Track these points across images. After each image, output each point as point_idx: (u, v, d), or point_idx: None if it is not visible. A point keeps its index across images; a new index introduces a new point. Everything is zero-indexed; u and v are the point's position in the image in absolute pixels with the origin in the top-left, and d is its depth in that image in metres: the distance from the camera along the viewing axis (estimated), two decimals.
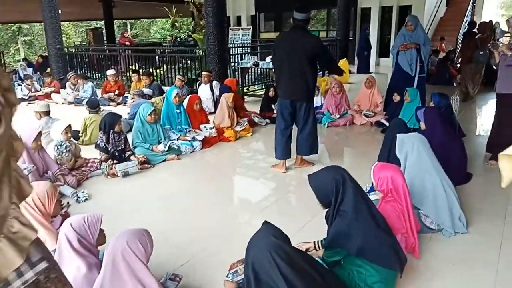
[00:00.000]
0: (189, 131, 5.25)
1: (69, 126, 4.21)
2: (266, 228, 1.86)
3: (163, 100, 5.84)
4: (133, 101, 6.93)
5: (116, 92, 8.39)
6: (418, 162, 2.93)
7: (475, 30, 8.36)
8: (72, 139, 4.39)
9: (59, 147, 4.11)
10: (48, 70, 10.98)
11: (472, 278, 2.39)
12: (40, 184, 2.63)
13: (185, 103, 5.75)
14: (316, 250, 2.40)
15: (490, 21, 8.86)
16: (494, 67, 7.79)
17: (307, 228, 2.98)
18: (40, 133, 3.73)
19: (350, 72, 10.99)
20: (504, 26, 10.81)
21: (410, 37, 5.76)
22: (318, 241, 2.44)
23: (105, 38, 18.84)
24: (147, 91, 7.42)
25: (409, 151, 2.97)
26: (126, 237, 1.94)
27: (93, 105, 5.64)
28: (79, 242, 2.03)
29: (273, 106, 6.32)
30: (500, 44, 4.11)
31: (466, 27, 9.64)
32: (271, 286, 1.68)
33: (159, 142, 4.74)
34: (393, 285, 2.21)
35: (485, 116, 6.72)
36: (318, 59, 3.96)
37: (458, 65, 9.78)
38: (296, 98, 4.00)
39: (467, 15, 14.74)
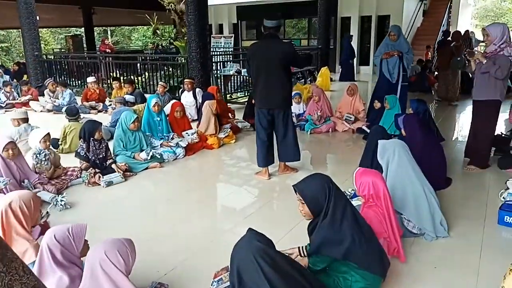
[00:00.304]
0: (172, 137, 5.20)
1: (48, 134, 4.11)
2: (250, 233, 1.85)
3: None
4: (115, 109, 6.84)
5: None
6: (400, 168, 2.97)
7: (449, 38, 8.64)
8: (51, 147, 4.29)
9: (37, 155, 4.00)
10: (25, 77, 10.74)
11: (454, 281, 2.43)
12: (24, 192, 2.54)
13: (167, 110, 5.70)
14: (301, 256, 2.37)
15: (467, 31, 9.17)
16: (470, 74, 8.05)
17: (292, 234, 2.98)
18: (11, 142, 3.58)
19: (331, 80, 11.13)
20: (479, 36, 11.17)
21: (393, 46, 5.83)
22: (302, 247, 2.44)
23: (85, 45, 18.62)
24: (129, 97, 7.34)
25: (391, 157, 3.02)
26: (105, 248, 1.87)
27: (72, 113, 5.53)
28: (62, 254, 1.96)
29: None
30: (476, 52, 4.24)
31: (442, 37, 9.95)
32: None
33: (142, 150, 4.68)
34: None
35: (463, 122, 6.90)
36: (292, 64, 4.06)
37: (436, 73, 10.06)
38: (273, 106, 4.02)
39: (443, 25, 15.17)
